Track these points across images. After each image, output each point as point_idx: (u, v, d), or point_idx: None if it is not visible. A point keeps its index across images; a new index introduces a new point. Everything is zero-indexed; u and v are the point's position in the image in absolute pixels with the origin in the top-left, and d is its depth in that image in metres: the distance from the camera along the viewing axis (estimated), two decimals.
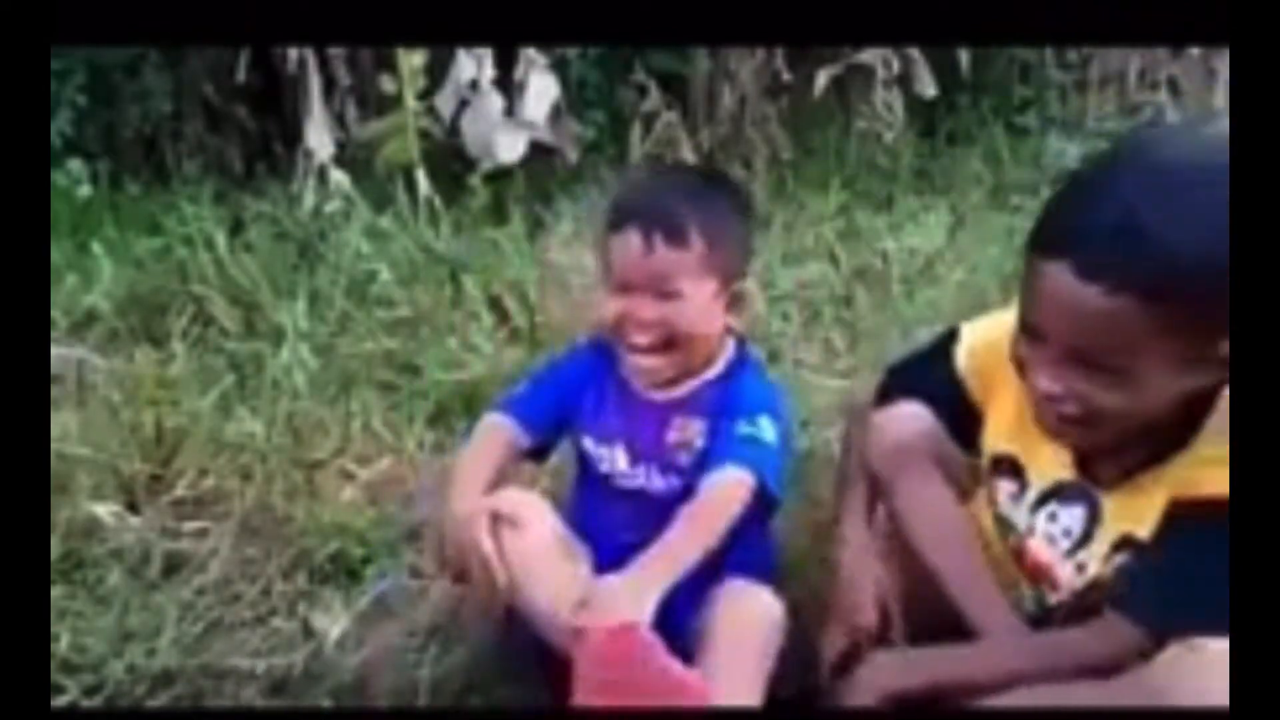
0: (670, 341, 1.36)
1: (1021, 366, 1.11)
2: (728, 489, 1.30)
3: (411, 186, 2.98)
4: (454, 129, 3.15)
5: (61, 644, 1.51)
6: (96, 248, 2.71)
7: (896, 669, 1.23)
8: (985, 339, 1.25)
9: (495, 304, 2.47)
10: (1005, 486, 1.28)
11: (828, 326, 2.46)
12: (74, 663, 1.50)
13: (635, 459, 1.42)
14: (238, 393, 2.13)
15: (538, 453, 1.51)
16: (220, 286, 2.54)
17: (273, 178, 3.24)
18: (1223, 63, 3.66)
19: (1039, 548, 1.24)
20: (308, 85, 3.15)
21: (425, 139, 3.07)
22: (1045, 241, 1.05)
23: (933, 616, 1.26)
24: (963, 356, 1.31)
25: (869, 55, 3.50)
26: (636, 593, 1.21)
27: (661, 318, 1.34)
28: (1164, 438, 1.11)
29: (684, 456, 1.39)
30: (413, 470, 1.93)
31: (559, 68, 3.25)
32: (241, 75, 3.19)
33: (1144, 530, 1.13)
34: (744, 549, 1.35)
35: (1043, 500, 1.24)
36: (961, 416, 1.31)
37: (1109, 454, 1.16)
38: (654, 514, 1.34)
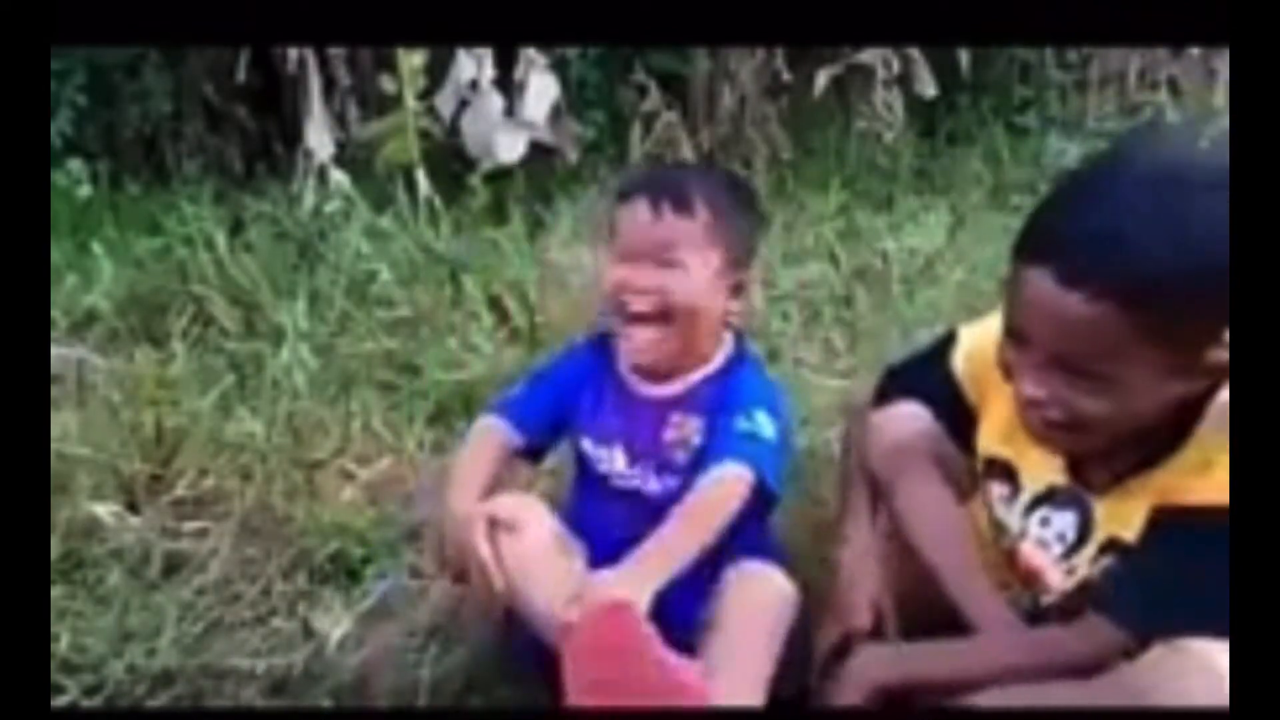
0: (667, 313, 1.34)
1: (1008, 371, 1.12)
2: (725, 485, 1.29)
3: (411, 186, 2.98)
4: (454, 129, 3.16)
5: (61, 644, 1.51)
6: (96, 248, 2.72)
7: (883, 662, 1.23)
8: (981, 343, 1.25)
9: (495, 304, 2.47)
10: (998, 490, 1.28)
11: (828, 326, 2.46)
12: (74, 663, 1.50)
13: (634, 459, 1.41)
14: (238, 393, 2.13)
15: (532, 454, 1.50)
16: (220, 286, 2.54)
17: (273, 178, 3.24)
18: (1223, 63, 3.66)
19: (1031, 552, 1.24)
20: (308, 85, 3.15)
21: (425, 139, 3.07)
22: (1029, 247, 1.05)
23: (928, 619, 1.26)
24: (960, 360, 1.31)
25: (869, 55, 3.50)
26: (630, 587, 1.21)
27: (661, 285, 1.34)
28: (1154, 444, 1.11)
29: (681, 455, 1.39)
30: (413, 470, 1.93)
31: (559, 68, 3.25)
32: (241, 75, 3.19)
33: (1130, 534, 1.13)
34: (744, 545, 1.34)
35: (1035, 504, 1.24)
36: (959, 419, 1.31)
37: (1099, 459, 1.16)
38: (651, 515, 1.33)
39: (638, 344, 1.37)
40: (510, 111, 3.15)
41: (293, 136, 3.22)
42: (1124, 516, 1.14)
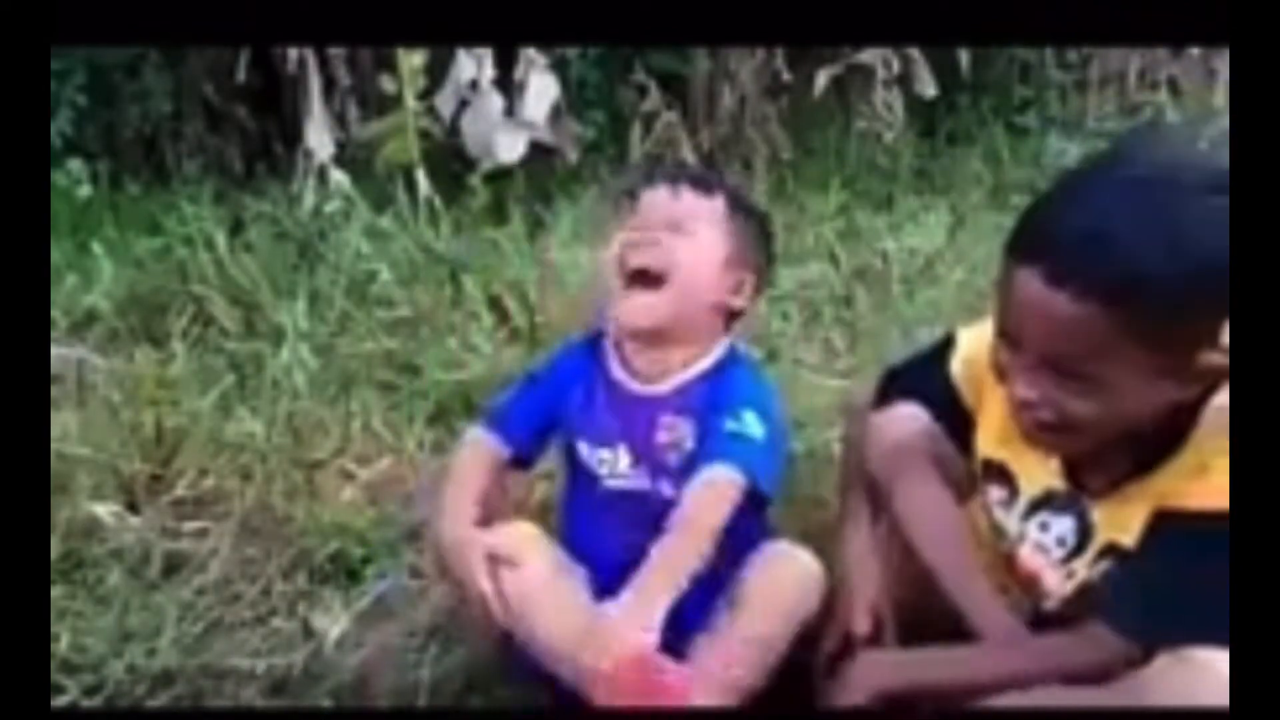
0: (666, 273, 1.34)
1: (1001, 373, 1.11)
2: (714, 489, 1.29)
3: (411, 186, 2.98)
4: (454, 129, 3.16)
5: (61, 644, 1.51)
6: (96, 248, 2.72)
7: (887, 668, 1.23)
8: (978, 346, 1.25)
9: (495, 304, 2.47)
10: (995, 493, 1.28)
11: (828, 326, 2.46)
12: (74, 663, 1.50)
13: (636, 459, 1.40)
14: (238, 393, 2.13)
15: (522, 463, 1.49)
16: (220, 286, 2.54)
17: (273, 178, 3.25)
18: (1223, 63, 3.66)
19: (1029, 556, 1.24)
20: (308, 85, 3.15)
21: (425, 139, 3.08)
22: (1020, 247, 1.05)
23: (928, 623, 1.26)
24: (957, 364, 1.31)
25: (869, 55, 3.51)
26: (640, 618, 1.21)
27: (667, 244, 1.35)
28: (1149, 448, 1.11)
29: (674, 457, 1.37)
30: (413, 470, 1.93)
31: (559, 68, 3.26)
32: (241, 75, 3.19)
33: (1128, 539, 1.13)
34: (743, 547, 1.34)
35: (1034, 508, 1.23)
36: (957, 422, 1.31)
37: (1095, 462, 1.16)
38: (650, 517, 1.34)
39: (630, 305, 1.36)
40: (510, 111, 3.15)
41: (293, 136, 3.22)
42: (1122, 522, 1.14)
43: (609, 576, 1.34)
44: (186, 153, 3.42)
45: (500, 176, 3.15)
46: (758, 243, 1.44)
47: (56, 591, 1.60)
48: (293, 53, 3.13)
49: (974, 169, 3.49)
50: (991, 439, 1.27)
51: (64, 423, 1.95)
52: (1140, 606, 1.09)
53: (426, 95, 3.09)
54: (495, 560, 1.32)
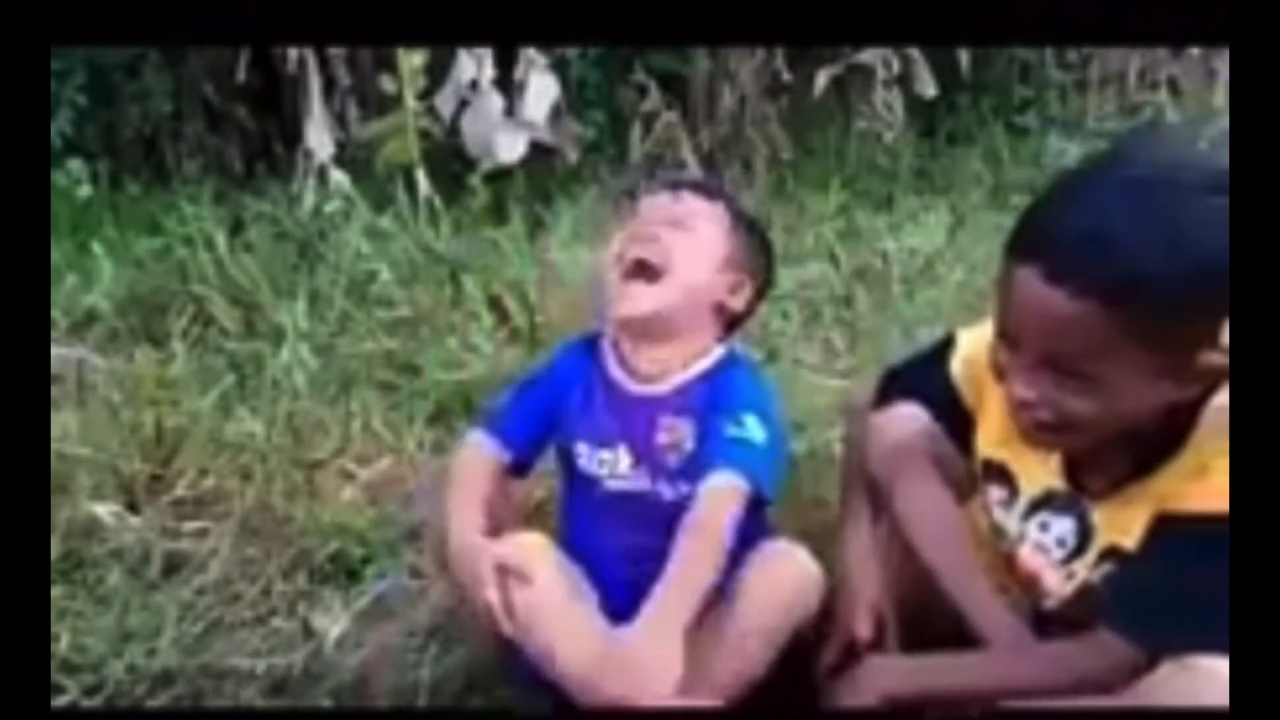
0: (663, 268, 1.35)
1: (1000, 372, 1.12)
2: (720, 498, 1.28)
3: (411, 186, 2.98)
4: (454, 129, 3.16)
5: (61, 644, 1.51)
6: (96, 248, 2.72)
7: (895, 674, 1.23)
8: (979, 347, 1.25)
9: (495, 304, 2.47)
10: (995, 493, 1.28)
11: (828, 326, 2.46)
12: (74, 663, 1.50)
13: (637, 460, 1.39)
14: (238, 393, 2.13)
15: (520, 468, 1.48)
16: (220, 286, 2.54)
17: (273, 178, 3.25)
18: (1223, 63, 3.66)
19: (1029, 556, 1.24)
20: (308, 85, 3.15)
21: (425, 139, 3.08)
22: (1019, 245, 1.05)
23: (929, 625, 1.26)
24: (958, 364, 1.31)
25: (869, 55, 3.51)
26: (660, 641, 1.21)
27: (668, 242, 1.36)
28: (1149, 449, 1.11)
29: (674, 459, 1.37)
30: (413, 470, 1.93)
31: (559, 68, 3.26)
32: (241, 75, 3.19)
33: (1130, 541, 1.13)
34: (739, 548, 1.33)
35: (1034, 508, 1.23)
36: (957, 422, 1.31)
37: (1095, 463, 1.16)
38: (651, 518, 1.34)
39: (626, 294, 1.36)
40: (510, 111, 3.15)
41: (293, 136, 3.22)
42: (1124, 524, 1.14)
43: (610, 579, 1.35)
44: (186, 153, 3.42)
45: (500, 176, 3.15)
46: (757, 252, 1.45)
47: (56, 591, 1.60)
48: (293, 53, 3.13)
49: (974, 169, 3.49)
50: (992, 439, 1.27)
51: (64, 423, 1.95)
52: (1142, 611, 1.09)
53: (426, 95, 3.09)
54: (504, 571, 1.30)
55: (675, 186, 1.44)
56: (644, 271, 1.36)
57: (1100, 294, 0.98)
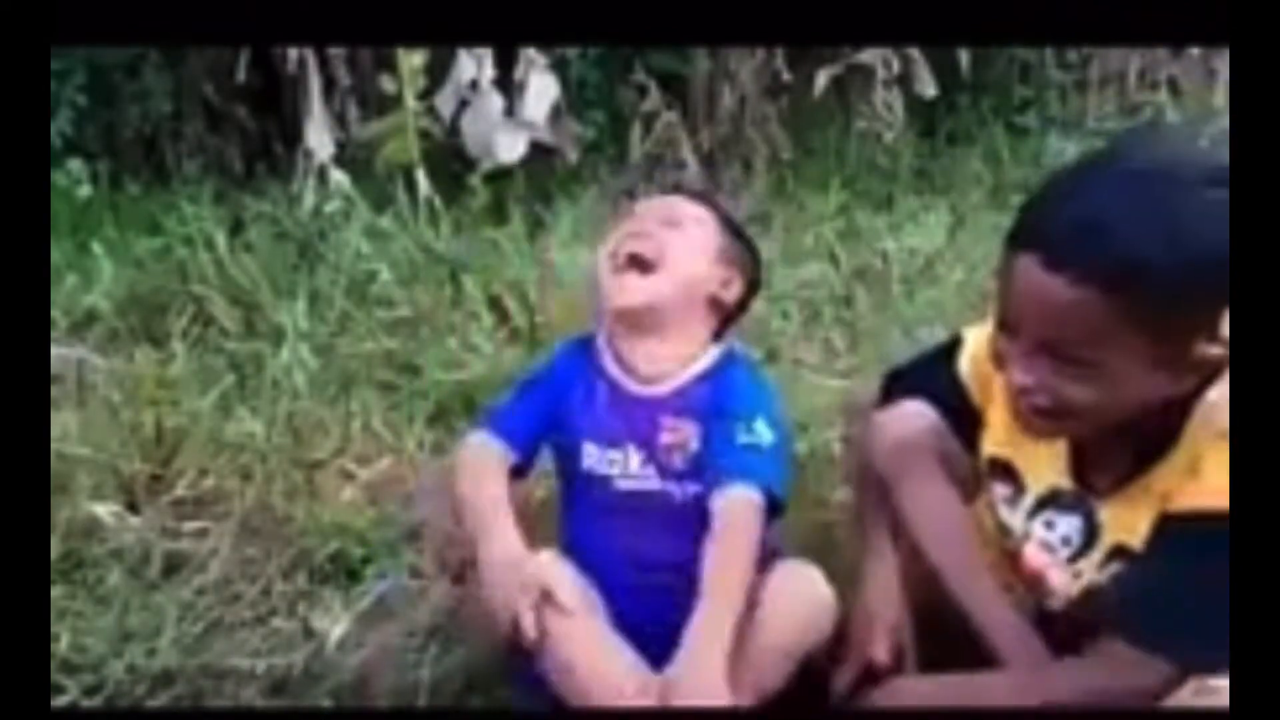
0: (657, 262, 1.37)
1: (1000, 361, 1.12)
2: (744, 516, 1.28)
3: (411, 186, 2.98)
4: (454, 129, 3.16)
5: (61, 644, 1.51)
6: (96, 248, 2.72)
7: (911, 697, 1.23)
8: (985, 345, 1.26)
9: (495, 304, 2.47)
10: (1001, 490, 1.28)
11: (828, 326, 2.46)
12: (74, 663, 1.50)
13: (645, 459, 1.38)
14: (238, 393, 2.13)
15: (523, 470, 1.47)
16: (220, 286, 2.54)
17: (273, 178, 3.25)
18: (1223, 63, 3.67)
19: (1034, 554, 1.24)
20: (308, 85, 3.15)
21: (425, 139, 3.08)
22: (1020, 235, 1.06)
23: (939, 627, 1.27)
24: (965, 362, 1.31)
25: (869, 55, 3.51)
26: (707, 674, 1.20)
27: (662, 237, 1.39)
28: (1147, 444, 1.11)
29: (679, 459, 1.37)
30: (413, 470, 1.93)
31: (559, 68, 3.26)
32: (241, 75, 3.19)
33: (1136, 541, 1.13)
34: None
35: (1039, 506, 1.23)
36: (965, 420, 1.31)
37: (1099, 460, 1.16)
38: (660, 518, 1.34)
39: (623, 284, 1.38)
40: (510, 111, 3.15)
41: (293, 136, 3.22)
42: (1130, 523, 1.14)
43: (614, 583, 1.34)
44: (186, 153, 3.42)
45: (500, 176, 3.15)
46: (746, 252, 1.47)
47: (56, 591, 1.60)
48: (293, 53, 3.13)
49: (974, 169, 3.49)
50: (998, 437, 1.27)
51: (64, 423, 1.95)
52: (1151, 616, 1.09)
53: (426, 95, 3.09)
54: (546, 597, 1.27)
55: (665, 193, 1.53)
56: (638, 265, 1.37)
57: (1099, 281, 0.99)
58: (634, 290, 1.37)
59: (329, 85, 3.23)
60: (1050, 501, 1.22)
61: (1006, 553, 1.28)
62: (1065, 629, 1.21)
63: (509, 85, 3.15)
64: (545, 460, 1.51)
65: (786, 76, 3.49)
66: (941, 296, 2.55)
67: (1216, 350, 1.01)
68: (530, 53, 3.14)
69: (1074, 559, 1.20)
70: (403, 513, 1.79)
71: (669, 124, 3.35)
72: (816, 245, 2.88)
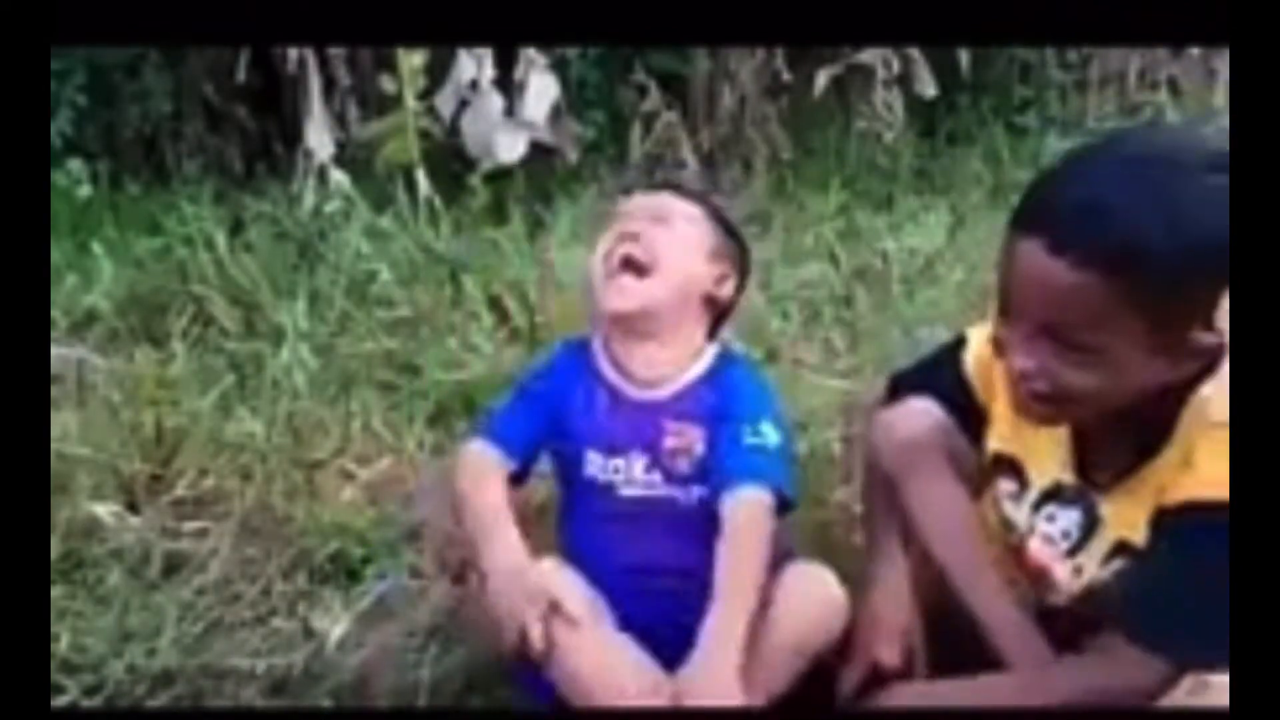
0: (650, 264, 1.36)
1: (1000, 347, 1.12)
2: (754, 517, 1.28)
3: (411, 186, 2.99)
4: (454, 129, 3.16)
5: (61, 644, 1.51)
6: (96, 248, 2.72)
7: (918, 699, 1.24)
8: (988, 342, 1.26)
9: (495, 304, 2.47)
10: (1005, 486, 1.28)
11: (828, 326, 2.46)
12: (74, 663, 1.50)
13: (650, 465, 1.38)
14: (238, 393, 2.13)
15: (522, 477, 1.46)
16: (220, 286, 2.54)
17: (273, 178, 3.25)
18: (1223, 63, 3.67)
19: (1038, 548, 1.24)
20: (308, 85, 3.16)
21: (425, 139, 3.08)
22: (1021, 220, 1.06)
23: (947, 625, 1.27)
24: (970, 360, 1.31)
25: (869, 55, 3.51)
26: (723, 677, 1.20)
27: (652, 236, 1.38)
28: (1145, 436, 1.12)
29: (684, 464, 1.36)
30: (413, 470, 1.93)
31: (559, 68, 3.26)
32: (241, 75, 3.19)
33: (1138, 537, 1.14)
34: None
35: (1042, 501, 1.24)
36: (970, 417, 1.31)
37: (1100, 454, 1.17)
38: (666, 524, 1.34)
39: (621, 287, 1.37)
40: (510, 111, 3.15)
41: (293, 136, 3.22)
42: (1131, 519, 1.14)
43: (616, 587, 1.33)
44: (186, 153, 3.42)
45: (500, 176, 3.15)
46: (736, 246, 1.46)
47: (56, 591, 1.60)
48: (293, 53, 3.13)
49: (974, 169, 3.49)
50: (1003, 433, 1.27)
51: (64, 423, 1.95)
52: (1145, 611, 1.09)
53: (426, 95, 3.10)
54: (555, 608, 1.27)
55: (653, 190, 1.49)
56: (632, 267, 1.37)
57: (1100, 264, 0.99)
58: (630, 294, 1.37)
59: (329, 85, 3.23)
60: (1053, 496, 1.23)
61: (1010, 548, 1.28)
62: (1068, 625, 1.21)
63: (509, 85, 3.15)
64: (543, 464, 1.51)
65: (786, 76, 3.50)
66: (941, 296, 2.55)
67: (1214, 338, 1.02)
68: (530, 53, 3.14)
69: (1073, 553, 1.20)
70: (403, 513, 1.79)
71: (669, 124, 3.35)
72: (816, 245, 2.88)
